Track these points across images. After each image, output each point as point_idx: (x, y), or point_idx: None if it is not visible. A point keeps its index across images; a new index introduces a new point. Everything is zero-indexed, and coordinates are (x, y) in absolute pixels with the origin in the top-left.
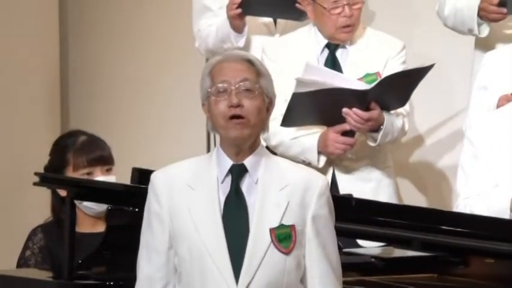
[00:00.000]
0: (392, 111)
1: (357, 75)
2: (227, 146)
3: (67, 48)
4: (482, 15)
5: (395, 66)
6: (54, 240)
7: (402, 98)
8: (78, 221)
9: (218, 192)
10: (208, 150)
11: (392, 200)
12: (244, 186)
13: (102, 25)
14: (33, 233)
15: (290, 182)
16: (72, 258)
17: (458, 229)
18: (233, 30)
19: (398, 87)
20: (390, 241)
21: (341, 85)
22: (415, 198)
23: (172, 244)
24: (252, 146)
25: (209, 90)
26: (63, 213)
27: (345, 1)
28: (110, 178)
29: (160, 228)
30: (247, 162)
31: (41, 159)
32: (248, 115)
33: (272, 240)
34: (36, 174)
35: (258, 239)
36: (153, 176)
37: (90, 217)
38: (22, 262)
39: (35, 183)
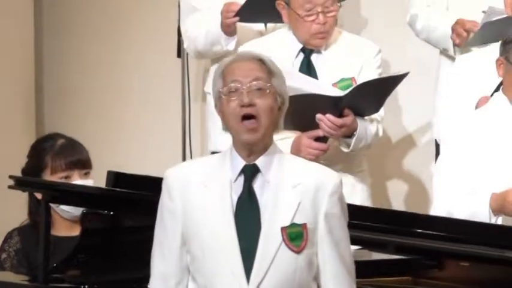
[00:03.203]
0: (366, 117)
1: (332, 80)
2: (239, 147)
3: (42, 49)
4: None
5: (370, 71)
6: (30, 243)
7: (376, 104)
8: (54, 225)
9: (231, 192)
10: (184, 153)
11: (366, 204)
12: (257, 185)
13: (78, 27)
14: (10, 235)
15: (302, 180)
16: (47, 262)
17: (433, 232)
18: (224, 34)
19: (372, 94)
20: (365, 244)
21: (315, 91)
22: (389, 203)
23: (184, 241)
24: (264, 145)
25: (220, 90)
26: (39, 216)
27: (319, 8)
28: (88, 182)
29: (173, 225)
30: (260, 162)
31: (15, 162)
32: (260, 114)
33: (283, 239)
34: (11, 177)
35: (269, 238)
36: (166, 174)
37: (67, 220)
38: None
39: (9, 187)
